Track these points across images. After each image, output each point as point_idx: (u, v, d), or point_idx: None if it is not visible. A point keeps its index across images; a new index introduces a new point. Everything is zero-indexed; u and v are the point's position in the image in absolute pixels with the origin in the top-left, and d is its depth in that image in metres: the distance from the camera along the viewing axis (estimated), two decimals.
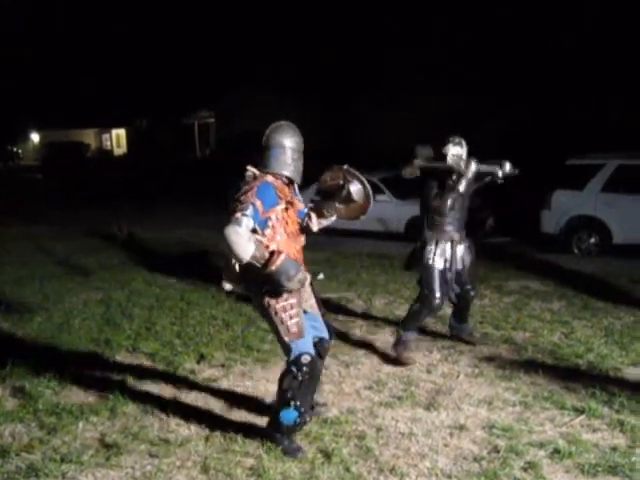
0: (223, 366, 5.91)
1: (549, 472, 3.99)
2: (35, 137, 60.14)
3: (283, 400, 4.19)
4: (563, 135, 20.75)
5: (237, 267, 4.21)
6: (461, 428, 4.60)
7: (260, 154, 4.34)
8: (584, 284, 9.00)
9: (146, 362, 6.04)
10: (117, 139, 58.41)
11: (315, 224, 4.47)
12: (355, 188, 4.31)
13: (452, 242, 6.15)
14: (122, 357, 6.19)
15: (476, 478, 3.93)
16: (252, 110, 31.41)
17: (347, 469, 4.06)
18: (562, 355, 6.10)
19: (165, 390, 5.35)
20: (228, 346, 6.45)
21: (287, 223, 4.27)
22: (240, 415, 4.87)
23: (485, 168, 6.23)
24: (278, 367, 5.81)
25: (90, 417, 4.83)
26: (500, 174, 6.22)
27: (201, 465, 4.14)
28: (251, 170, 4.28)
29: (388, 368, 5.87)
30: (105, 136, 58.85)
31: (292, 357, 4.18)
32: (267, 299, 4.20)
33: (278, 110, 31.40)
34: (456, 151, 6.05)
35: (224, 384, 5.50)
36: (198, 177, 24.91)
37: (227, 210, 4.07)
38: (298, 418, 4.18)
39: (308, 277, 4.25)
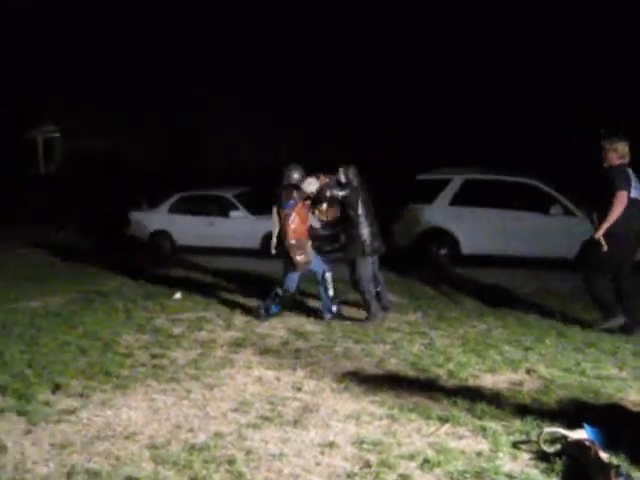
0: (81, 395, 5.60)
1: None
2: None
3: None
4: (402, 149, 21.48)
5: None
6: (331, 445, 4.59)
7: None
8: (437, 295, 9.33)
9: None
10: None
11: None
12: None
13: None
14: None
15: None
16: (98, 128, 30.51)
17: None
18: (423, 366, 6.26)
19: (19, 426, 5.00)
20: (85, 373, 6.13)
21: None
22: (103, 447, 4.62)
23: None
24: (140, 394, 5.62)
25: None
26: None
27: None
28: None
29: (253, 388, 5.79)
30: None
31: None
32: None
33: (123, 129, 30.71)
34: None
35: (83, 415, 5.22)
36: (43, 194, 23.75)
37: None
38: None
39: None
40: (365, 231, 7.92)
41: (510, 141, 20.59)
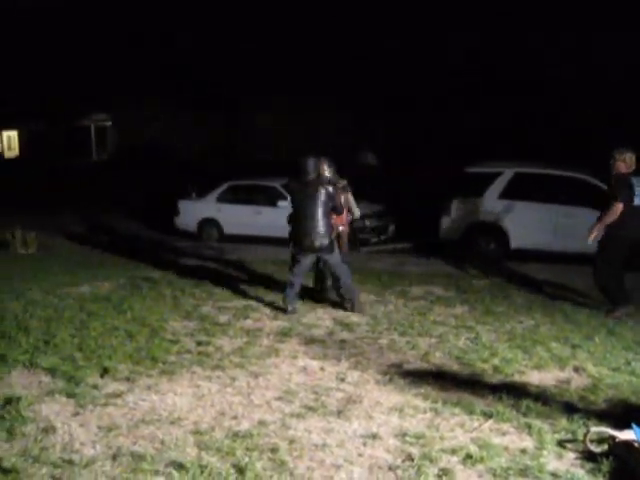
0: (128, 379, 5.69)
1: (463, 478, 4.02)
2: None
3: None
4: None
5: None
6: (374, 437, 4.58)
7: None
8: (484, 289, 9.23)
9: (45, 378, 5.73)
10: (8, 141, 55.94)
11: None
12: None
13: None
14: (19, 373, 5.85)
15: None
16: (150, 116, 30.93)
17: None
18: (468, 360, 6.21)
19: (67, 407, 5.10)
20: (132, 358, 6.21)
21: None
22: (148, 431, 4.69)
23: None
24: (185, 380, 5.68)
25: None
26: None
27: None
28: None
29: (297, 378, 5.80)
30: None
31: None
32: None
33: (174, 119, 31.12)
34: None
35: (130, 399, 5.29)
36: (93, 185, 24.19)
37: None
38: None
39: None
40: (296, 224, 7.98)
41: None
